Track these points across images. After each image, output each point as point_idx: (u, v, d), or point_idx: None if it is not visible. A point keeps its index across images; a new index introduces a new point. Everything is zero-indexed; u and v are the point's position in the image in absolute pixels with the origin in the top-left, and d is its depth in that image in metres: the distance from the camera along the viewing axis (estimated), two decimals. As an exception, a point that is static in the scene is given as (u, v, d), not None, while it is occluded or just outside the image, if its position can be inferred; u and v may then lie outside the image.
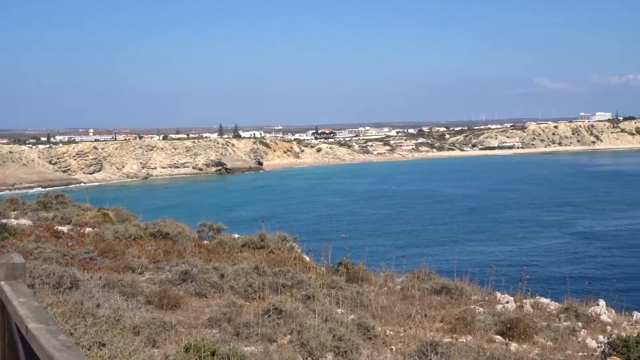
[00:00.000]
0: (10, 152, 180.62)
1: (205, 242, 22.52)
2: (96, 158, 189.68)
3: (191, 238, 22.33)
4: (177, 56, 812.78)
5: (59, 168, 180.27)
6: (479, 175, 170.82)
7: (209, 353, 8.79)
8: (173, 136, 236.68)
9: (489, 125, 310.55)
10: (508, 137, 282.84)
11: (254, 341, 11.48)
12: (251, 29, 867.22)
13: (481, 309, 15.51)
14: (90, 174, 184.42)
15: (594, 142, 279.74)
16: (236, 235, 23.62)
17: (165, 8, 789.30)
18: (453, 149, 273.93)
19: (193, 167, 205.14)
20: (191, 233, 23.17)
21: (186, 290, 15.50)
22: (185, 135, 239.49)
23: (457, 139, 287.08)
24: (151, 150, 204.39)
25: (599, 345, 13.26)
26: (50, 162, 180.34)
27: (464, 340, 12.31)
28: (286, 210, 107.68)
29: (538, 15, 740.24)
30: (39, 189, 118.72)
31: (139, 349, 7.82)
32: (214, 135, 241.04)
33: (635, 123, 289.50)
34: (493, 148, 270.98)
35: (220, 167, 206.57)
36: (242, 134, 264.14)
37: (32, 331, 3.74)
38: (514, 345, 12.86)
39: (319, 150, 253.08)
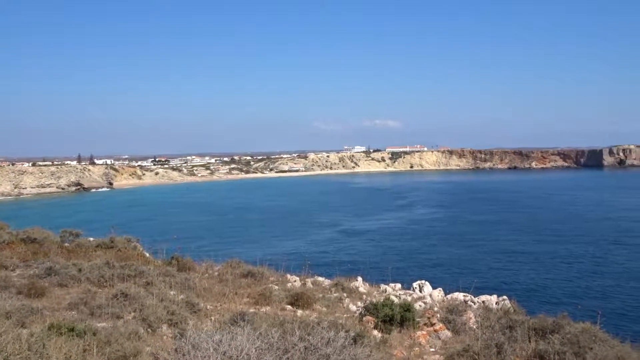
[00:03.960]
0: None
1: (67, 244, 21.31)
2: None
3: (55, 242, 21.13)
4: (44, 95, 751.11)
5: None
6: (276, 191, 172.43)
7: (67, 329, 8.29)
8: (41, 163, 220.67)
9: (282, 155, 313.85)
10: (295, 163, 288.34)
11: (105, 318, 11.05)
12: (107, 71, 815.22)
13: (276, 287, 15.68)
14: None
15: (354, 167, 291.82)
16: (91, 239, 22.56)
17: (31, 51, 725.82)
18: (256, 172, 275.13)
19: (57, 187, 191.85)
20: (55, 238, 21.96)
21: (50, 282, 14.62)
22: (50, 163, 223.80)
23: (259, 165, 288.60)
24: (22, 174, 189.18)
25: (358, 308, 13.81)
26: None
27: (264, 310, 12.44)
28: (129, 217, 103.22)
29: (324, 72, 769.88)
30: None
31: (9, 329, 7.20)
32: (74, 162, 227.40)
33: (381, 154, 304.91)
34: (285, 171, 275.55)
35: (79, 187, 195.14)
36: (97, 161, 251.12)
37: None
38: (299, 312, 13.15)
39: (157, 173, 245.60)
